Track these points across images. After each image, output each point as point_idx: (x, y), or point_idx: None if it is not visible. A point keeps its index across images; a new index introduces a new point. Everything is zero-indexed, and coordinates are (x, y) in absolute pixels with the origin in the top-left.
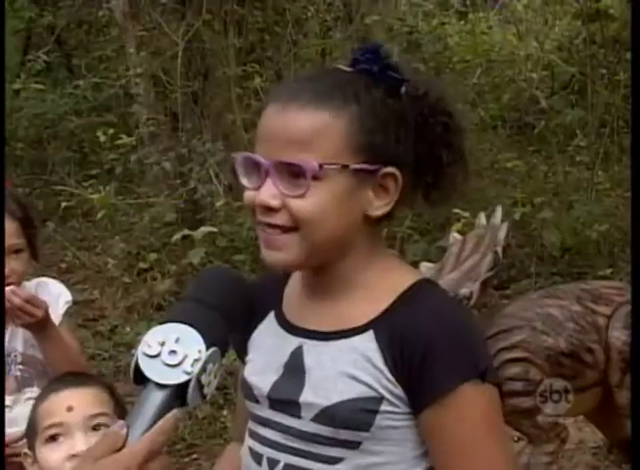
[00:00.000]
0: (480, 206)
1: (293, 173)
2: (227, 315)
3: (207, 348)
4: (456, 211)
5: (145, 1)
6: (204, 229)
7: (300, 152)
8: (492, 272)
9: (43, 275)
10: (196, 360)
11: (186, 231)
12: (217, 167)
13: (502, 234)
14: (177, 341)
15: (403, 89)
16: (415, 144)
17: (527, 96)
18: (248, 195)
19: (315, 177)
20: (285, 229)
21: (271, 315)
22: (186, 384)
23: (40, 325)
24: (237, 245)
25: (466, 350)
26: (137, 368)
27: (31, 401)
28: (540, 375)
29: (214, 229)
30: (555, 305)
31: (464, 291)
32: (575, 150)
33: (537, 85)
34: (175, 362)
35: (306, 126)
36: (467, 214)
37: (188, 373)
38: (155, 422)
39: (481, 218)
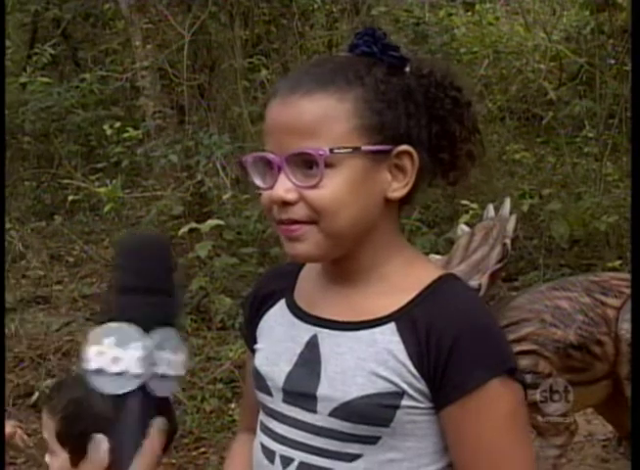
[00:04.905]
0: (488, 197)
1: (305, 164)
2: (156, 289)
3: (150, 332)
4: (464, 202)
5: None
6: (211, 222)
7: (309, 140)
8: (501, 264)
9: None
10: (140, 359)
11: (193, 224)
12: (224, 160)
13: (511, 226)
14: (114, 344)
15: (408, 68)
16: (427, 122)
17: (535, 87)
18: (264, 196)
19: (328, 164)
20: (304, 223)
21: (282, 302)
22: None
23: None
24: (244, 238)
25: (495, 345)
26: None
27: None
28: (549, 368)
29: (221, 222)
30: (564, 297)
31: (472, 283)
32: (584, 141)
33: (545, 76)
34: (121, 370)
35: (312, 113)
36: (475, 206)
37: (137, 376)
38: (140, 431)
39: (490, 210)
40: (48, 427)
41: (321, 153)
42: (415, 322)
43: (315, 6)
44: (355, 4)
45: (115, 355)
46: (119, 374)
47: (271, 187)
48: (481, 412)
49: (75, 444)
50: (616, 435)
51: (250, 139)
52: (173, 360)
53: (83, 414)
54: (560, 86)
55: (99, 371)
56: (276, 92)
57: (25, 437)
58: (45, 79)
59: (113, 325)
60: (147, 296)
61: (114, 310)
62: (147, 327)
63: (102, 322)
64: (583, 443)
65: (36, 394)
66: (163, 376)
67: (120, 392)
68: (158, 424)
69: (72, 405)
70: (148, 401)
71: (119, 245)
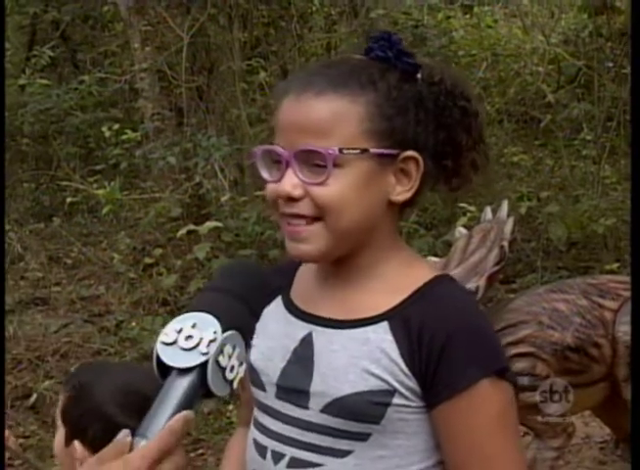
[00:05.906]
0: (485, 200)
1: (313, 161)
2: (245, 300)
3: (225, 331)
4: (462, 205)
5: None
6: (209, 224)
7: (320, 139)
8: (498, 267)
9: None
10: (211, 341)
11: (191, 226)
12: (222, 162)
13: (508, 228)
14: (194, 326)
15: (419, 75)
16: (434, 129)
17: (533, 90)
18: (270, 188)
19: (336, 164)
20: (309, 220)
21: (278, 300)
22: (206, 368)
23: None
24: (242, 240)
25: (487, 345)
26: (159, 362)
27: None
28: (547, 370)
29: (220, 224)
30: (561, 299)
31: (470, 285)
32: (582, 144)
33: (543, 79)
34: (191, 346)
35: (324, 113)
36: (473, 209)
37: (204, 354)
38: (178, 411)
39: (487, 213)
40: (60, 401)
41: (330, 152)
42: (408, 321)
43: (314, 8)
44: (354, 6)
45: (190, 334)
46: (188, 350)
47: (277, 180)
48: (472, 411)
49: (71, 424)
50: (613, 437)
51: (248, 141)
52: (236, 366)
53: (83, 399)
54: (558, 89)
55: (171, 344)
56: (289, 89)
57: (17, 442)
58: (44, 81)
59: (196, 313)
60: (234, 300)
61: (201, 303)
62: (226, 325)
63: (188, 311)
64: (581, 445)
65: (34, 395)
66: (223, 371)
67: (184, 365)
68: (186, 414)
69: (78, 387)
70: (198, 389)
71: (232, 263)
